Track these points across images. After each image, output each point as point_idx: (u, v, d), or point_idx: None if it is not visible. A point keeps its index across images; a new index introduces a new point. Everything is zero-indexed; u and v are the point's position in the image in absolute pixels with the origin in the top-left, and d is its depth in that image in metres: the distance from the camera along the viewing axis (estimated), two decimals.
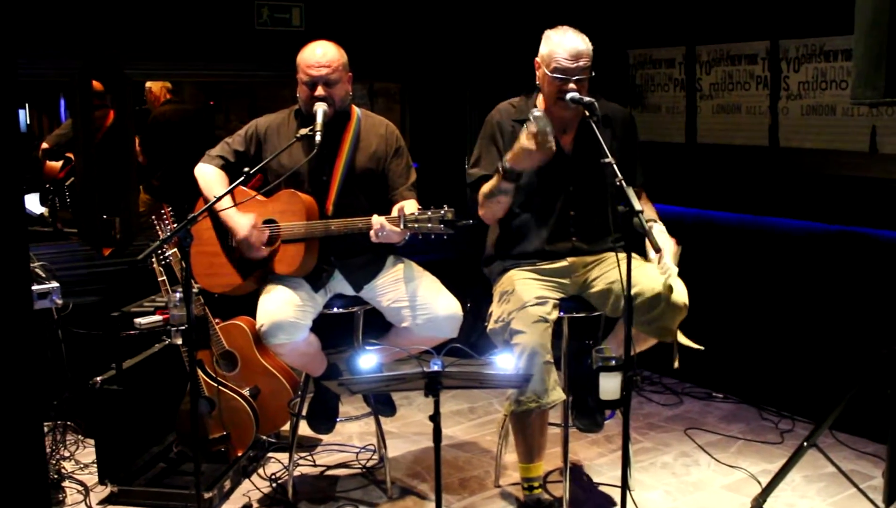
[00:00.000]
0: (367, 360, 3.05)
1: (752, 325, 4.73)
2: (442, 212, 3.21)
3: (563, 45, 3.26)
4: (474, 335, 4.67)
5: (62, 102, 7.38)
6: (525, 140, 3.10)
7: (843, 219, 4.32)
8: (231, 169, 3.60)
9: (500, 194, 3.28)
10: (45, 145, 6.01)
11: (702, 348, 3.25)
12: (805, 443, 3.43)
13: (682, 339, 3.26)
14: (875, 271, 4.16)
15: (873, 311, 4.12)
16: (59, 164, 6.00)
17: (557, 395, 3.20)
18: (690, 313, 3.25)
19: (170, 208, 3.89)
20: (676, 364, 3.24)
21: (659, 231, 3.31)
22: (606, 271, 3.38)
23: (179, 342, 3.54)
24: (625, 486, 2.88)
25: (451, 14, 5.54)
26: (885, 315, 3.95)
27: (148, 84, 6.23)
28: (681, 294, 3.19)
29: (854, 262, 4.28)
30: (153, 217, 3.90)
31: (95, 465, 3.83)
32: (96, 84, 4.92)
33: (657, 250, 3.07)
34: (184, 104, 6.76)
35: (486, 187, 3.33)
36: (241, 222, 3.45)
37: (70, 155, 5.91)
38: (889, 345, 3.21)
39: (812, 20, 4.33)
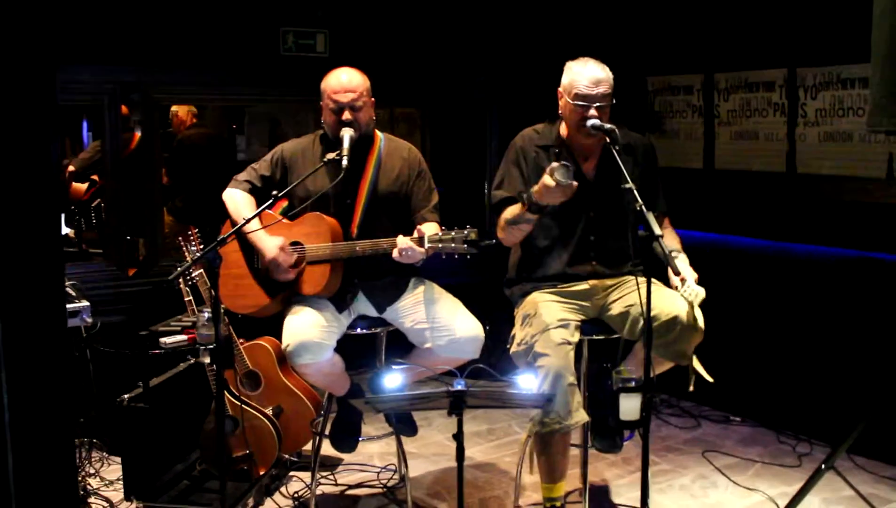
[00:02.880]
0: (393, 379, 3.10)
1: (769, 349, 4.76)
2: (465, 232, 3.27)
3: (583, 73, 3.34)
4: (493, 358, 4.71)
5: (84, 125, 7.52)
6: (548, 180, 3.16)
7: (859, 244, 4.36)
8: (258, 194, 3.68)
9: (522, 222, 3.34)
10: (71, 168, 6.13)
11: (712, 380, 3.30)
12: (823, 466, 3.46)
13: (696, 365, 3.31)
14: (891, 296, 4.19)
15: (890, 335, 4.14)
16: (84, 186, 6.11)
17: (581, 416, 3.25)
18: (708, 336, 3.30)
19: (196, 230, 3.97)
20: (692, 388, 3.28)
21: (682, 261, 3.36)
22: (625, 295, 3.43)
23: (207, 360, 3.60)
24: (644, 506, 2.92)
25: (471, 41, 5.63)
26: None
27: (174, 108, 6.37)
28: (697, 319, 3.24)
29: (871, 287, 4.31)
30: (180, 238, 3.98)
31: (120, 482, 3.90)
32: (122, 108, 5.03)
33: (677, 273, 3.13)
34: (208, 129, 6.88)
35: (509, 214, 3.39)
36: (270, 244, 3.53)
37: (95, 177, 6.03)
38: None
39: (829, 49, 4.39)
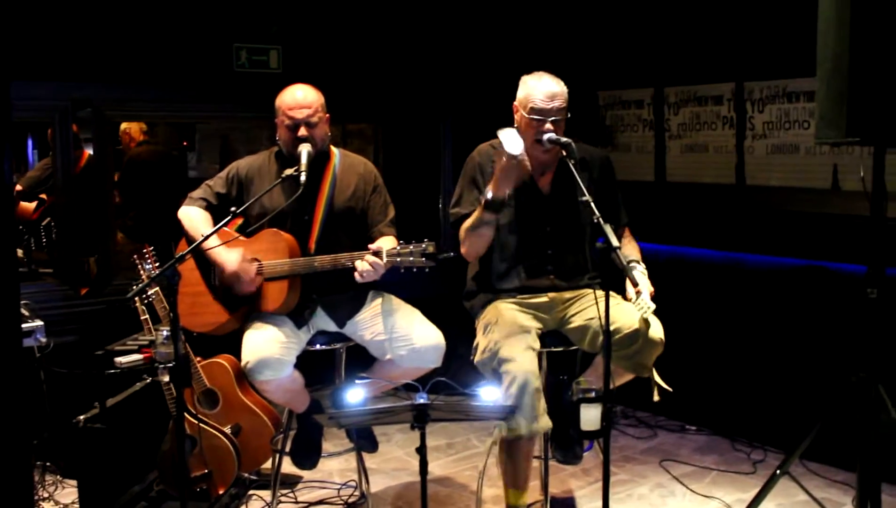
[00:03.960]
0: (355, 394, 3.10)
1: (722, 358, 4.84)
2: (423, 246, 3.28)
3: (538, 87, 3.38)
4: (450, 372, 4.72)
5: (29, 143, 7.41)
6: (500, 162, 3.19)
7: (807, 253, 4.46)
8: (213, 211, 3.66)
9: (482, 225, 3.35)
10: (18, 187, 6.02)
11: (671, 389, 3.35)
12: (778, 471, 3.53)
13: (655, 376, 3.36)
14: (839, 303, 4.29)
15: (838, 342, 4.24)
16: (32, 205, 6.01)
17: (546, 422, 3.27)
18: (664, 346, 3.36)
19: (151, 248, 3.93)
20: (657, 398, 3.33)
21: (640, 273, 3.40)
22: (585, 308, 3.47)
23: (165, 378, 3.56)
24: None
25: (425, 56, 5.67)
26: (849, 346, 4.07)
27: (124, 125, 6.30)
28: (657, 331, 3.29)
29: (819, 295, 4.41)
30: (135, 257, 3.94)
31: (76, 505, 3.82)
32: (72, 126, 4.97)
33: (635, 284, 3.17)
34: (158, 146, 6.82)
35: (468, 222, 3.41)
36: (230, 257, 3.51)
37: (44, 196, 5.94)
38: (856, 374, 3.33)
39: (775, 63, 4.50)
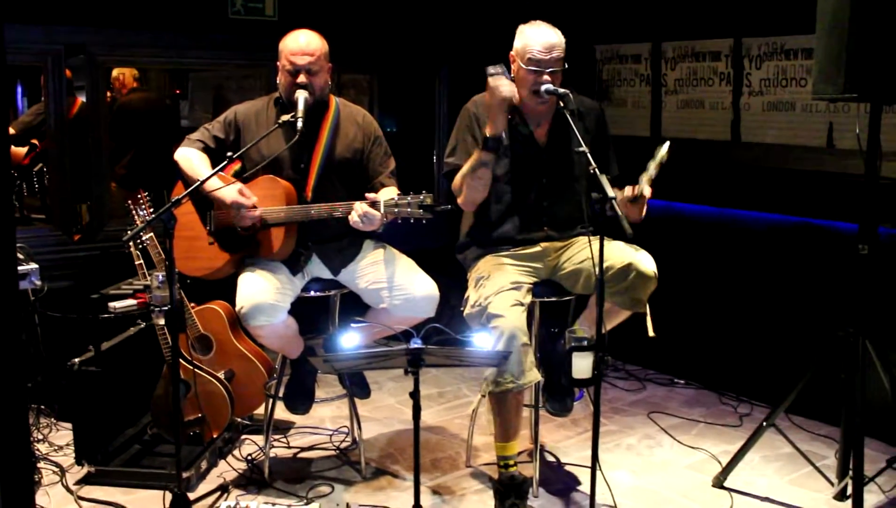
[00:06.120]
0: (350, 338, 3.13)
1: (713, 313, 4.89)
2: (421, 197, 3.29)
3: (536, 37, 3.36)
4: (443, 321, 4.75)
5: (19, 89, 7.35)
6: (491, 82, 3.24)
7: (801, 211, 4.49)
8: (210, 154, 3.64)
9: (480, 166, 3.35)
10: (11, 131, 5.98)
11: (653, 334, 3.39)
12: (764, 423, 3.59)
13: (648, 314, 3.40)
14: (830, 260, 4.33)
15: (828, 299, 4.29)
16: (24, 150, 5.98)
17: (534, 376, 3.31)
18: (653, 300, 3.39)
19: (146, 194, 3.93)
20: (651, 333, 3.36)
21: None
22: (577, 253, 3.50)
23: (161, 322, 3.57)
24: (595, 461, 2.99)
25: (422, 5, 5.62)
26: (838, 303, 4.12)
27: (116, 72, 6.23)
28: (649, 265, 3.32)
29: (810, 252, 4.45)
30: (130, 202, 3.93)
31: (70, 447, 3.86)
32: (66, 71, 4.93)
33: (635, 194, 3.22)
34: (150, 92, 6.77)
35: (465, 168, 3.41)
36: (229, 189, 3.48)
37: (35, 141, 5.90)
38: (843, 329, 3.37)
39: (774, 19, 4.49)
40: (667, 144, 3.22)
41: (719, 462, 3.85)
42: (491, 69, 3.28)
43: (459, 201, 3.50)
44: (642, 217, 3.33)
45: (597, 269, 2.90)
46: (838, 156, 4.27)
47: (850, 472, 3.33)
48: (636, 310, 3.39)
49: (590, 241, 3.09)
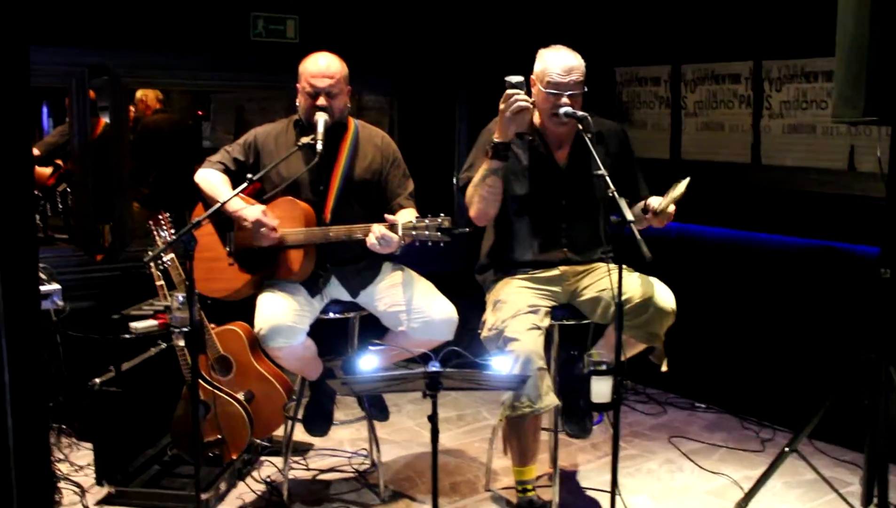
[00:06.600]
0: (368, 361, 3.13)
1: (734, 337, 4.85)
2: (439, 220, 3.29)
3: (555, 61, 3.38)
4: (463, 345, 4.75)
5: (44, 111, 7.43)
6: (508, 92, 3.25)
7: (821, 234, 4.45)
8: (230, 176, 3.67)
9: (489, 174, 3.34)
10: (35, 152, 6.05)
11: (666, 369, 3.38)
12: (786, 449, 3.55)
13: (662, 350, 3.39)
14: (851, 284, 4.29)
15: (850, 323, 4.25)
16: (48, 170, 6.04)
17: (551, 400, 3.30)
18: (674, 323, 3.37)
19: (168, 215, 3.96)
20: (664, 368, 3.35)
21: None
22: (597, 280, 3.49)
23: (181, 343, 3.59)
24: (614, 485, 2.98)
25: (442, 29, 5.65)
26: (860, 327, 4.08)
27: (139, 93, 6.30)
28: (668, 300, 3.31)
29: (832, 275, 4.42)
30: (151, 223, 3.96)
31: (90, 467, 3.89)
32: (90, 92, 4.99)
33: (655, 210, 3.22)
34: (173, 113, 6.83)
35: (476, 176, 3.41)
36: (251, 209, 3.51)
37: (59, 162, 5.97)
38: (865, 355, 3.34)
39: (794, 42, 4.48)
40: (686, 181, 3.20)
41: (741, 488, 3.81)
42: (513, 79, 3.28)
43: (471, 213, 3.49)
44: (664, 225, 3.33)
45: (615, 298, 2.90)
46: (859, 179, 4.24)
47: (875, 499, 3.29)
48: (652, 344, 3.38)
49: (609, 271, 3.09)
